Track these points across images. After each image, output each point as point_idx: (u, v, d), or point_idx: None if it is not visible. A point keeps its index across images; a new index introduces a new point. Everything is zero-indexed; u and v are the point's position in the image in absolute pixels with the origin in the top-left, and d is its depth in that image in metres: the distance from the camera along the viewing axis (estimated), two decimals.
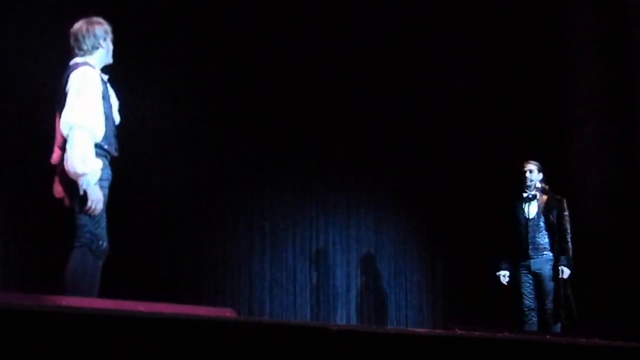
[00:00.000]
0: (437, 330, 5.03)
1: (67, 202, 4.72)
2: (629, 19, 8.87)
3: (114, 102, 4.91)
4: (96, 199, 4.60)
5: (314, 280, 8.97)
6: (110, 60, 4.95)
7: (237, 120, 8.45)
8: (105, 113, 4.74)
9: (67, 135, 4.60)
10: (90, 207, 4.58)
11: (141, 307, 3.54)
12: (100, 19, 4.91)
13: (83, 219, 4.63)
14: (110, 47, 4.93)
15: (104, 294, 4.59)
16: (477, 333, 4.06)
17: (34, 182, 6.67)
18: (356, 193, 9.33)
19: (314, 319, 8.78)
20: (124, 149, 4.97)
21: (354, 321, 9.02)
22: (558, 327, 7.35)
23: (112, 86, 4.93)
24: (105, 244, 4.70)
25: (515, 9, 9.55)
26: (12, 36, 7.14)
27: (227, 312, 4.25)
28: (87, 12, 4.95)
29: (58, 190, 4.77)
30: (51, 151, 4.82)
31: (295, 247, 8.90)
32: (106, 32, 4.90)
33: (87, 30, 4.84)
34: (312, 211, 9.06)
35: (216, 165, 8.37)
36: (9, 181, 7.14)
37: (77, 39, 4.85)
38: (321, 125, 8.86)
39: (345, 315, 9.03)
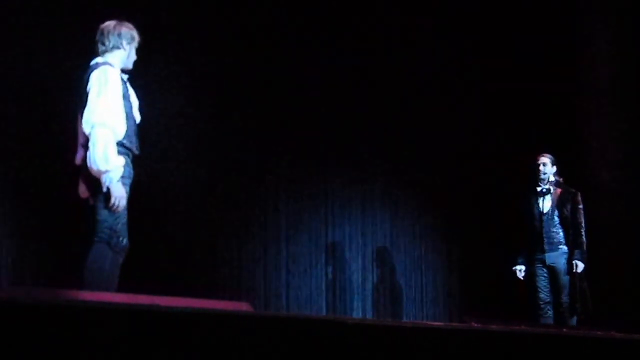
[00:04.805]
0: (453, 324, 5.04)
1: (91, 201, 4.76)
2: None
3: (134, 101, 4.96)
4: (119, 195, 4.64)
5: (330, 275, 8.98)
6: (129, 66, 4.98)
7: (251, 117, 8.47)
8: (125, 112, 4.78)
9: (89, 134, 4.63)
10: (113, 204, 4.62)
11: (158, 301, 3.56)
12: (131, 25, 4.97)
13: (103, 214, 4.67)
14: (133, 54, 4.98)
15: (122, 288, 4.62)
16: (493, 326, 4.07)
17: (53, 179, 6.74)
18: (371, 187, 9.33)
19: (330, 313, 8.79)
20: (143, 147, 5.01)
21: (369, 315, 9.03)
22: (574, 321, 7.34)
23: (132, 86, 4.97)
24: (125, 240, 4.74)
25: (529, 3, 9.53)
26: (35, 37, 7.19)
27: (244, 306, 4.26)
28: (119, 13, 5.03)
29: (83, 189, 4.80)
30: (72, 150, 4.85)
31: (311, 241, 8.92)
32: (132, 37, 4.95)
33: (114, 28, 4.91)
34: (327, 205, 9.07)
35: (232, 161, 8.39)
36: (28, 178, 7.18)
37: (102, 34, 4.91)
38: (334, 120, 8.86)
39: (361, 309, 9.04)
